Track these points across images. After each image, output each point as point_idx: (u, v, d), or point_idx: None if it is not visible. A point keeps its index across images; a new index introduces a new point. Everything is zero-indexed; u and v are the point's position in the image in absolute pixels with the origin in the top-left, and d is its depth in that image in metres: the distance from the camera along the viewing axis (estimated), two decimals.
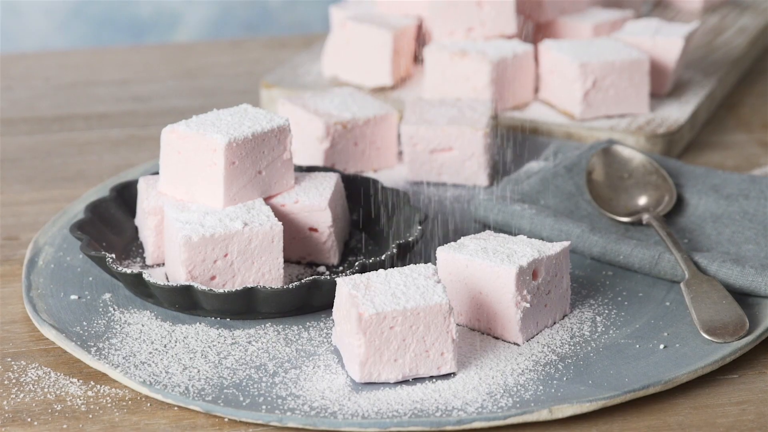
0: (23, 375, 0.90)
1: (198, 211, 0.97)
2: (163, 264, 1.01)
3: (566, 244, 0.95)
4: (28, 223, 1.10)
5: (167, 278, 0.99)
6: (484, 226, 1.06)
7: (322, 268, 1.02)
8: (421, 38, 1.30)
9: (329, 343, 0.93)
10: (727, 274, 0.97)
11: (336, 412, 0.85)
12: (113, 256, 0.97)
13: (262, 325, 0.94)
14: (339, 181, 1.04)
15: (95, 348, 0.91)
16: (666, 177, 1.09)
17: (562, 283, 0.95)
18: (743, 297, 0.97)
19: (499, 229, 1.05)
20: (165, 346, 0.92)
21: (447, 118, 1.13)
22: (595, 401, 0.86)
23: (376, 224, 1.06)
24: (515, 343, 0.92)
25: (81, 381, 0.89)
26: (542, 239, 1.03)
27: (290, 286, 0.93)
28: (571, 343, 0.93)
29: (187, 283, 0.93)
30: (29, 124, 1.29)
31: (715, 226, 1.05)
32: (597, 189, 1.09)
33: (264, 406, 0.86)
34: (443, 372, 0.88)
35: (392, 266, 0.96)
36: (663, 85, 1.26)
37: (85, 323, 0.94)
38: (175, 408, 0.87)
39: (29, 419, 0.86)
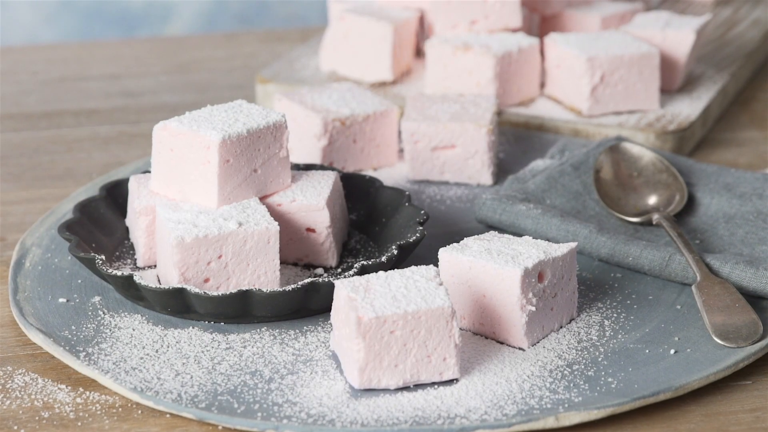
0: (9, 381, 0.90)
1: (191, 211, 0.97)
2: (155, 266, 1.01)
3: (573, 245, 0.94)
4: (14, 224, 1.10)
5: (159, 281, 0.98)
6: (488, 227, 1.06)
7: (319, 270, 1.01)
8: (422, 31, 1.31)
9: (327, 348, 0.92)
10: (740, 277, 0.97)
11: (334, 420, 0.85)
12: (103, 257, 0.97)
13: (258, 330, 0.94)
14: (337, 179, 1.03)
15: (84, 353, 0.91)
16: (677, 175, 1.09)
17: (568, 285, 0.94)
18: (757, 300, 0.97)
19: (504, 229, 1.05)
20: (157, 351, 0.91)
21: (449, 114, 1.13)
22: (604, 408, 0.85)
23: (376, 224, 1.05)
24: (520, 348, 0.92)
25: (69, 387, 0.89)
26: (548, 240, 1.03)
27: (287, 288, 0.93)
28: (578, 348, 0.92)
29: (180, 286, 0.93)
30: (16, 121, 1.29)
31: (727, 227, 1.05)
32: (605, 188, 1.08)
33: (259, 414, 0.85)
34: (445, 378, 0.88)
35: (392, 268, 0.95)
36: (674, 80, 1.26)
37: (73, 327, 0.94)
38: (167, 415, 0.86)
39: (16, 427, 0.85)
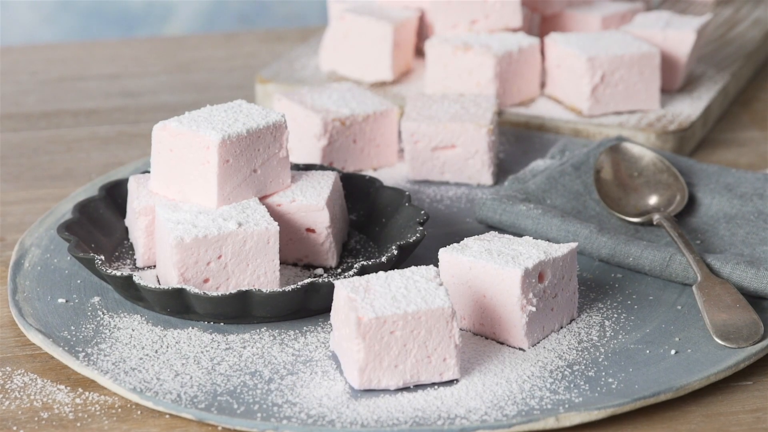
0: (9, 382, 0.89)
1: (190, 211, 0.97)
2: (155, 266, 1.00)
3: (573, 245, 0.94)
4: (13, 224, 1.09)
5: (158, 281, 0.98)
6: (488, 227, 1.06)
7: (319, 271, 1.01)
8: (422, 31, 1.30)
9: (327, 349, 0.92)
10: (741, 277, 0.96)
11: (334, 420, 0.84)
12: (102, 257, 0.96)
13: (257, 330, 0.94)
14: (337, 179, 1.03)
15: (83, 353, 0.91)
16: (677, 175, 1.08)
17: (569, 285, 0.94)
18: (758, 300, 0.96)
19: (504, 229, 1.05)
20: (156, 352, 0.91)
21: (449, 114, 1.12)
22: (604, 409, 0.85)
23: (376, 225, 1.05)
24: (521, 349, 0.92)
25: (69, 388, 0.89)
26: (548, 240, 1.02)
27: (286, 289, 0.93)
28: (579, 349, 0.92)
29: (179, 286, 0.93)
30: (15, 121, 1.28)
31: (728, 227, 1.04)
32: (606, 188, 1.08)
33: (259, 414, 0.85)
34: (446, 378, 0.88)
35: (392, 268, 0.95)
36: (674, 80, 1.25)
37: (73, 328, 0.94)
38: (167, 416, 0.86)
39: (15, 428, 0.85)
